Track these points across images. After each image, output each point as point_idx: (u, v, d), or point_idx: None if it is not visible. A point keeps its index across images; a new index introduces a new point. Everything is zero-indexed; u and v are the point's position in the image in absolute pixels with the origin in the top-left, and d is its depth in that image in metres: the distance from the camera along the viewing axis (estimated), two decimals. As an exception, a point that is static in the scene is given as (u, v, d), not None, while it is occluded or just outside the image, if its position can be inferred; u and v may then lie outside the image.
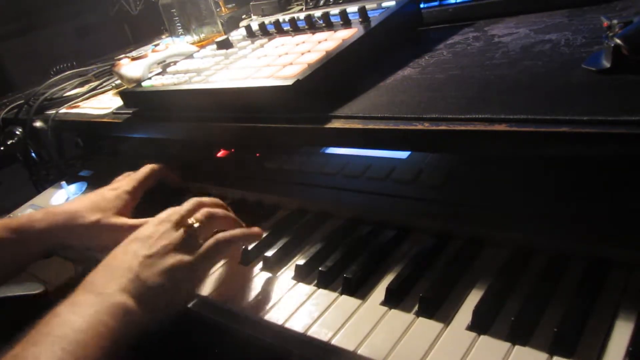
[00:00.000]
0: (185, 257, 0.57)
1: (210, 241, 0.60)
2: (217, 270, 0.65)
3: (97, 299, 0.52)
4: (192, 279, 0.59)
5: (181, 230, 0.59)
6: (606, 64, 0.51)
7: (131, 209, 0.79)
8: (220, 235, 0.61)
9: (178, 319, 0.66)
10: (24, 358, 0.46)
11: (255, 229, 0.65)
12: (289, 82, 0.64)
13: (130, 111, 0.90)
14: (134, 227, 0.72)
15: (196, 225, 0.60)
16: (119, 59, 1.02)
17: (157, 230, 0.60)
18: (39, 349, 0.46)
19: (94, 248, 0.79)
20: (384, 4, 0.81)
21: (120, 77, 0.99)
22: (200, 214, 0.62)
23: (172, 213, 0.62)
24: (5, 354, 0.47)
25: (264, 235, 0.68)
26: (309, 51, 0.72)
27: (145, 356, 0.73)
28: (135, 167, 1.01)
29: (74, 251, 0.80)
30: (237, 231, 0.63)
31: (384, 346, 0.47)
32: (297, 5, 1.26)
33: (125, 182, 0.81)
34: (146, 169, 0.84)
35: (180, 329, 0.70)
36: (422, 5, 0.86)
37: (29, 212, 0.74)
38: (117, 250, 0.60)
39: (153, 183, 0.84)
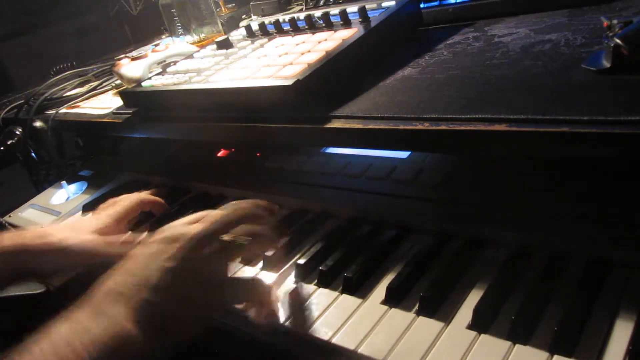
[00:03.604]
0: (214, 277, 0.52)
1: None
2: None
3: (96, 321, 0.46)
4: (215, 303, 0.52)
5: (216, 244, 0.52)
6: (606, 64, 0.51)
7: (112, 234, 0.74)
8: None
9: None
10: None
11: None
12: (289, 82, 0.64)
13: (130, 111, 0.90)
14: (107, 243, 0.69)
15: (235, 240, 0.53)
16: (119, 59, 1.02)
17: (186, 233, 0.52)
18: None
19: (65, 269, 0.73)
20: (384, 4, 0.81)
21: (120, 77, 0.99)
22: (243, 230, 0.54)
23: (209, 216, 0.54)
24: None
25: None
26: (309, 51, 0.72)
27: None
28: (135, 167, 1.02)
29: (46, 274, 0.75)
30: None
31: (385, 345, 0.47)
32: (297, 5, 1.26)
33: (109, 209, 0.76)
34: (133, 197, 0.79)
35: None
36: (422, 5, 0.86)
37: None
38: (137, 251, 0.53)
39: (137, 213, 0.79)
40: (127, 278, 0.49)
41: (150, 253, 0.51)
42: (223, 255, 0.52)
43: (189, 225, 0.53)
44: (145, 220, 0.81)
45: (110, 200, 0.81)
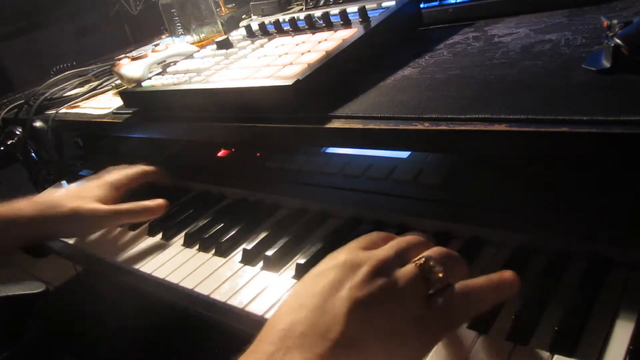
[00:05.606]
0: (420, 311, 0.39)
1: (459, 293, 0.41)
2: (215, 269, 0.65)
3: None
4: (424, 345, 0.40)
5: (411, 265, 0.41)
6: (606, 64, 0.51)
7: (114, 200, 0.79)
8: (471, 284, 0.42)
9: (178, 318, 0.66)
10: None
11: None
12: (289, 82, 0.64)
13: (130, 111, 0.90)
14: (115, 212, 0.76)
15: (436, 266, 0.41)
16: (119, 59, 1.02)
17: (371, 257, 0.41)
18: None
19: (78, 236, 0.80)
20: (384, 4, 0.81)
21: (120, 77, 0.99)
22: (437, 252, 0.43)
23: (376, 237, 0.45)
24: None
25: (265, 234, 0.68)
26: (309, 51, 0.72)
27: (146, 354, 0.73)
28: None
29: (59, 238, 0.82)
30: (484, 281, 0.43)
31: (385, 346, 0.47)
32: (297, 5, 1.26)
33: (111, 174, 0.82)
34: (138, 167, 0.84)
35: (181, 328, 0.70)
36: (422, 5, 0.86)
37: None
38: (307, 280, 0.42)
39: (141, 182, 0.84)
40: (301, 318, 0.38)
41: (325, 284, 0.40)
42: (422, 282, 0.40)
43: (367, 249, 0.43)
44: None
45: (110, 168, 0.86)
